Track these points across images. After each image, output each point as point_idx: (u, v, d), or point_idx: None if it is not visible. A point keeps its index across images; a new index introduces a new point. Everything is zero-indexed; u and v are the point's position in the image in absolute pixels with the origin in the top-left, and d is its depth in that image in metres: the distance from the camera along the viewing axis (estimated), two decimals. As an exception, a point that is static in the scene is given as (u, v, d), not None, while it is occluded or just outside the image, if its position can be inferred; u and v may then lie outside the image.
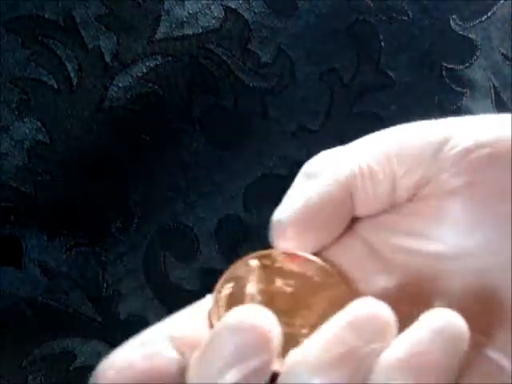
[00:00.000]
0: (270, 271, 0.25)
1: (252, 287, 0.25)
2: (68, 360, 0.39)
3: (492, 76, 0.42)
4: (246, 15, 0.38)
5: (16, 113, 0.37)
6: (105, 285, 0.39)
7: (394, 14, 0.39)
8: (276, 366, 0.22)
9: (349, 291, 0.25)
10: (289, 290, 0.25)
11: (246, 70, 0.38)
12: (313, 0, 0.38)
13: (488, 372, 0.24)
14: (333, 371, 0.21)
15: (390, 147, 0.26)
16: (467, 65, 0.41)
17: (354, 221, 0.27)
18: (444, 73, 0.40)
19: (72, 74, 0.37)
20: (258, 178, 0.39)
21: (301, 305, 0.25)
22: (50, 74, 0.37)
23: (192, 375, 0.22)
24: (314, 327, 0.23)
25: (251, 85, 0.38)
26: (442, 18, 0.40)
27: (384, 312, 0.22)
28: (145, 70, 0.37)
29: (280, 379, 0.22)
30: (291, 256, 0.26)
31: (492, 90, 0.42)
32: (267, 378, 0.22)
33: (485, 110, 0.41)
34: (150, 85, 0.37)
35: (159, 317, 0.39)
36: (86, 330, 0.39)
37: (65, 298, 0.39)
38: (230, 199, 0.39)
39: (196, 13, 0.37)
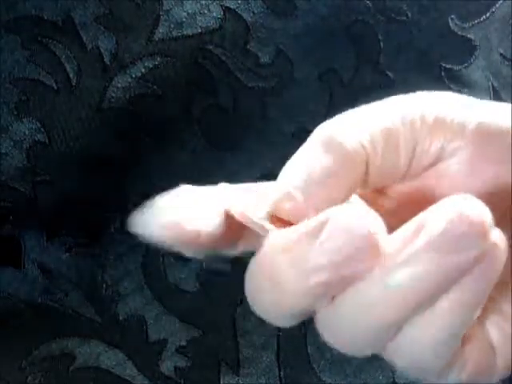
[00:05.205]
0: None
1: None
2: (67, 361, 0.39)
3: (491, 76, 0.42)
4: (245, 15, 0.38)
5: (15, 113, 0.37)
6: (104, 285, 0.39)
7: (393, 15, 0.39)
8: None
9: None
10: None
11: (245, 71, 0.38)
12: (312, 0, 0.38)
13: None
14: None
15: (412, 110, 0.24)
16: (466, 65, 0.41)
17: None
18: (443, 73, 0.40)
19: (71, 75, 0.37)
20: (257, 178, 0.39)
21: None
22: (49, 75, 0.37)
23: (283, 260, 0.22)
24: None
25: (250, 85, 0.38)
26: (440, 19, 0.40)
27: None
28: (144, 71, 0.37)
29: None
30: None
31: (491, 90, 0.42)
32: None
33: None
34: (149, 85, 0.37)
35: (158, 317, 0.40)
36: (85, 330, 0.39)
37: (64, 298, 0.39)
38: (230, 199, 0.39)
39: (195, 13, 0.37)
